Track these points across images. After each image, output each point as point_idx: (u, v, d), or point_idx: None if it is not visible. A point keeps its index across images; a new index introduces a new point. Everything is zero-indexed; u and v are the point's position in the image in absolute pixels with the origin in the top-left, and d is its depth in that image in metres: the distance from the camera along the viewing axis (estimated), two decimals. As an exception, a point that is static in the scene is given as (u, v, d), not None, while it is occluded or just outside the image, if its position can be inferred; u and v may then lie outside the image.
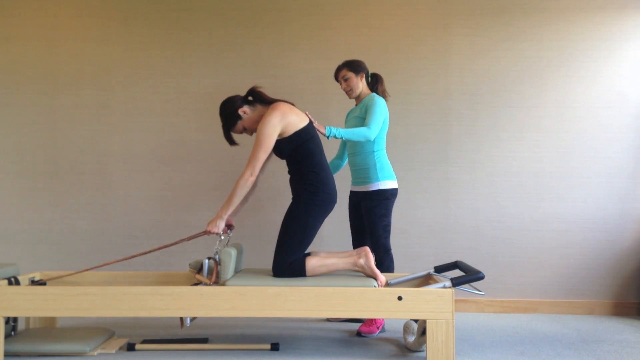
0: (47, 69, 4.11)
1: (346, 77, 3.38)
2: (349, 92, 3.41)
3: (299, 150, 2.99)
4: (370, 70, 3.58)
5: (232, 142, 3.15)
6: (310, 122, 3.06)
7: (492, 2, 4.01)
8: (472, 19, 4.02)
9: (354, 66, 3.38)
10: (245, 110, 3.06)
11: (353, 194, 3.48)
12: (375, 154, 3.33)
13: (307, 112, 3.10)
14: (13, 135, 4.11)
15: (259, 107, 3.07)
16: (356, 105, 3.47)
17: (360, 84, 3.39)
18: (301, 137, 2.97)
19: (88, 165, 4.10)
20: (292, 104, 3.07)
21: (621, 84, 3.97)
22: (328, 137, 3.14)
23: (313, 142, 3.03)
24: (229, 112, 3.06)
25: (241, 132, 3.13)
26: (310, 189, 2.97)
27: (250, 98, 3.12)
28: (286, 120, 2.94)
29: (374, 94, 3.39)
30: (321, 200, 2.98)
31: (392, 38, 4.05)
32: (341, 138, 3.15)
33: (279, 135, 2.96)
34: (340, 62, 3.49)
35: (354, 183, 3.46)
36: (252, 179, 2.91)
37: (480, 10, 4.02)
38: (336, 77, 3.44)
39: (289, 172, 3.10)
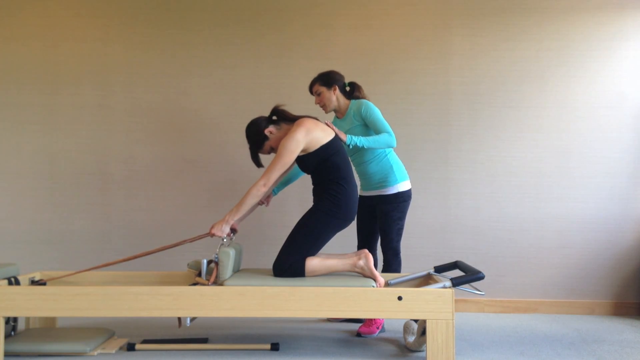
0: (47, 69, 4.11)
1: (318, 91, 3.35)
2: (322, 107, 3.37)
3: (325, 165, 2.98)
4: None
5: (259, 164, 3.15)
6: (336, 136, 3.05)
7: (492, 2, 4.01)
8: (472, 19, 4.02)
9: (326, 79, 3.33)
10: (271, 130, 3.06)
11: (366, 198, 3.41)
12: (389, 155, 3.31)
13: (328, 122, 3.08)
14: (13, 135, 4.11)
15: (284, 126, 3.07)
16: (339, 118, 3.42)
17: (334, 97, 3.34)
18: (327, 152, 2.96)
19: (88, 165, 4.10)
20: (317, 119, 3.06)
21: (621, 84, 3.97)
22: (350, 146, 3.12)
23: (339, 156, 3.01)
24: (256, 134, 3.06)
25: (269, 153, 3.14)
26: (334, 200, 2.96)
27: (274, 117, 3.12)
28: (310, 135, 2.93)
29: (357, 100, 3.32)
30: (342, 214, 2.97)
31: (392, 38, 4.05)
32: (362, 147, 3.12)
33: (304, 150, 2.95)
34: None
35: (366, 188, 3.40)
36: (264, 190, 2.91)
37: (480, 10, 4.01)
38: (310, 91, 3.41)
39: (314, 183, 3.10)
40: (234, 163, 4.06)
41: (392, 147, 3.20)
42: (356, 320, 3.56)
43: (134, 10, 4.11)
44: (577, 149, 3.98)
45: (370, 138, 3.13)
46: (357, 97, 3.38)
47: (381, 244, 3.34)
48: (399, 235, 3.32)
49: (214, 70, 4.09)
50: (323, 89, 3.33)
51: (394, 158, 3.33)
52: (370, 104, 3.27)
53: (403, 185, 3.29)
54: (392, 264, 3.30)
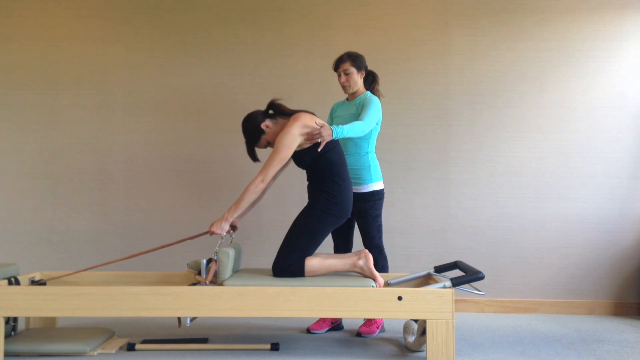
0: (47, 69, 4.11)
1: (348, 71, 3.31)
2: (346, 87, 3.34)
3: (321, 161, 2.98)
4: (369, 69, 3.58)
5: (255, 158, 3.14)
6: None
7: (492, 2, 4.01)
8: (472, 19, 4.02)
9: (358, 63, 3.32)
10: (267, 124, 3.05)
11: None
12: (369, 155, 3.32)
13: (317, 121, 3.00)
14: (13, 135, 4.11)
15: (281, 120, 3.07)
16: (348, 100, 3.42)
17: (360, 81, 3.35)
18: (323, 148, 2.96)
19: (88, 165, 4.10)
20: (313, 114, 3.06)
21: (621, 84, 3.97)
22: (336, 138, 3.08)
23: (335, 152, 3.02)
24: (252, 128, 3.06)
25: (265, 147, 3.13)
26: (329, 197, 2.96)
27: (270, 111, 3.11)
28: (307, 130, 2.93)
29: (370, 92, 3.35)
30: (337, 210, 2.98)
31: (392, 38, 4.05)
32: (348, 136, 3.05)
33: (300, 145, 2.95)
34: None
35: None
36: (262, 186, 2.91)
37: (480, 10, 4.02)
38: (336, 68, 3.36)
39: (308, 180, 3.10)
40: (234, 163, 4.06)
41: (364, 133, 3.12)
42: (337, 327, 3.47)
43: (134, 10, 4.11)
44: (577, 149, 3.98)
45: (350, 126, 3.01)
46: (373, 89, 3.40)
47: (364, 244, 3.34)
48: (380, 232, 3.34)
49: (214, 70, 4.09)
50: (353, 70, 3.31)
51: (373, 158, 3.34)
52: (378, 101, 3.27)
53: (377, 185, 3.32)
54: (378, 261, 3.29)
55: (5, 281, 2.91)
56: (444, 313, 2.64)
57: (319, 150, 2.93)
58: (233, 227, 3.13)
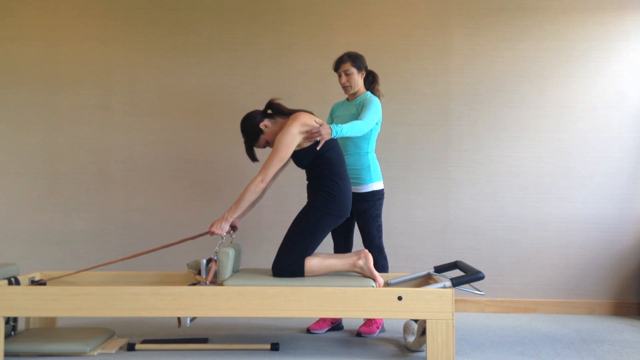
0: (47, 69, 4.11)
1: (349, 72, 3.32)
2: (347, 87, 3.35)
3: (320, 160, 2.98)
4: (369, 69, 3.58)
5: (254, 158, 3.14)
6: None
7: (492, 2, 4.01)
8: (472, 19, 4.02)
9: (358, 63, 3.33)
10: (266, 124, 3.06)
11: None
12: (369, 155, 3.32)
13: (317, 120, 3.00)
14: (13, 135, 4.11)
15: (279, 120, 3.07)
16: (349, 100, 3.43)
17: (360, 82, 3.35)
18: (322, 147, 2.96)
19: (88, 165, 4.10)
20: (312, 113, 3.05)
21: (621, 84, 3.97)
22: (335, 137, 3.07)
23: (334, 152, 3.02)
24: (250, 128, 3.06)
25: (264, 147, 3.13)
26: (328, 197, 2.96)
27: (269, 111, 3.11)
28: (306, 129, 2.93)
29: (370, 93, 3.36)
30: (337, 210, 2.98)
31: (392, 38, 4.05)
32: (347, 135, 3.06)
33: (299, 145, 2.95)
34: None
35: None
36: (262, 186, 2.91)
37: (480, 10, 4.02)
38: (336, 69, 3.36)
39: (308, 179, 3.10)
40: (234, 163, 4.06)
41: (363, 133, 3.13)
42: (337, 327, 3.47)
43: (134, 10, 4.11)
44: (577, 149, 3.98)
45: (349, 125, 3.03)
46: (373, 89, 3.40)
47: (364, 244, 3.34)
48: (380, 232, 3.34)
49: (214, 70, 4.09)
50: (354, 70, 3.31)
51: (373, 158, 3.34)
52: (378, 101, 3.28)
53: (377, 185, 3.32)
54: (378, 261, 3.29)
55: (5, 281, 2.91)
56: (444, 313, 2.64)
57: (318, 149, 2.94)
58: (233, 227, 3.13)
